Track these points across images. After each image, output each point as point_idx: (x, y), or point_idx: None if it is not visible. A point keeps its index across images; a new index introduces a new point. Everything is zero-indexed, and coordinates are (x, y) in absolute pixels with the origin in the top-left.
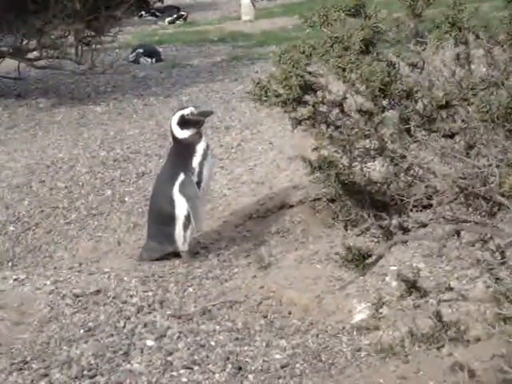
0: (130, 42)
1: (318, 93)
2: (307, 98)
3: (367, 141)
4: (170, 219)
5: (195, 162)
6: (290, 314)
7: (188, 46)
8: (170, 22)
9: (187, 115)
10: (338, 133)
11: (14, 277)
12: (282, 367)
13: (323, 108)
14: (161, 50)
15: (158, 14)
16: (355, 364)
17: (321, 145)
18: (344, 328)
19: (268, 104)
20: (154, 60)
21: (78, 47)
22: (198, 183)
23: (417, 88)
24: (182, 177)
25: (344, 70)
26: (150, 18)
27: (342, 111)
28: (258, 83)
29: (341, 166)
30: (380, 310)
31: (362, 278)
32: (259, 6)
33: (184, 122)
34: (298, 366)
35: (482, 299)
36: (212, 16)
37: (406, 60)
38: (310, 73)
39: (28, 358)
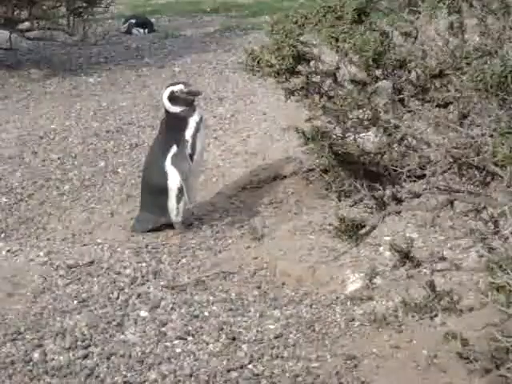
0: (122, 12)
1: (310, 63)
2: (300, 68)
3: (360, 111)
4: (163, 191)
5: (188, 134)
6: (283, 284)
7: (181, 16)
8: None
9: (176, 92)
10: (331, 103)
11: (7, 248)
12: (276, 337)
13: (316, 78)
14: (153, 20)
15: None
16: (349, 334)
17: (314, 115)
18: (337, 298)
19: (261, 74)
20: (146, 30)
21: (70, 18)
22: (191, 155)
23: (410, 58)
24: (174, 149)
25: (337, 39)
26: None
27: (335, 81)
28: (250, 53)
29: (334, 136)
30: (373, 280)
31: (355, 248)
32: None
33: (174, 98)
34: (291, 336)
35: (475, 269)
36: None
37: (400, 29)
38: (302, 43)
39: (22, 329)
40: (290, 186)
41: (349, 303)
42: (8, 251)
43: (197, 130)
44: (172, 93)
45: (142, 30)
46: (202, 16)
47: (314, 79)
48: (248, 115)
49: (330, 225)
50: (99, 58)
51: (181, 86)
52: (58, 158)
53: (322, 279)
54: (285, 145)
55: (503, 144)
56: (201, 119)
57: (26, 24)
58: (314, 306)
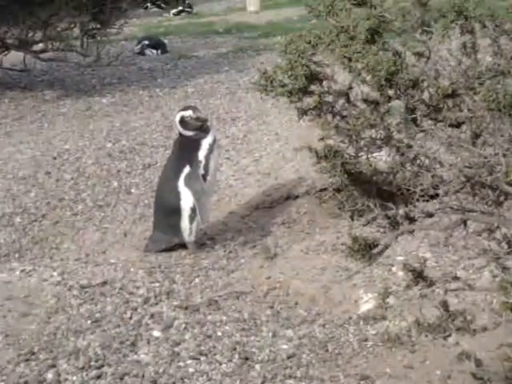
0: (135, 33)
1: (323, 83)
2: (313, 87)
3: (373, 130)
4: (176, 211)
5: (201, 155)
6: (296, 304)
7: (193, 37)
8: (175, 14)
9: (187, 117)
10: (344, 123)
11: (21, 268)
12: (289, 357)
13: (329, 98)
14: (166, 41)
15: (163, 5)
16: (362, 354)
17: (327, 135)
18: (350, 318)
19: (274, 94)
20: (159, 51)
21: (84, 39)
22: (204, 176)
23: (423, 77)
24: (187, 169)
25: (350, 59)
26: (155, 9)
27: (348, 101)
28: (263, 73)
29: (347, 155)
30: (386, 300)
31: (368, 268)
32: None
33: (185, 123)
34: (304, 356)
35: (489, 289)
36: (217, 7)
37: (412, 49)
38: (315, 63)
39: (35, 349)
40: (302, 205)
41: (362, 323)
42: (22, 271)
43: (210, 151)
44: (182, 118)
45: (154, 51)
46: (215, 37)
47: (326, 99)
48: (260, 135)
49: (342, 244)
50: (112, 79)
51: (190, 112)
52: (72, 179)
53: (335, 299)
54: (297, 165)
55: None
56: (214, 141)
57: (40, 45)
58: (327, 326)
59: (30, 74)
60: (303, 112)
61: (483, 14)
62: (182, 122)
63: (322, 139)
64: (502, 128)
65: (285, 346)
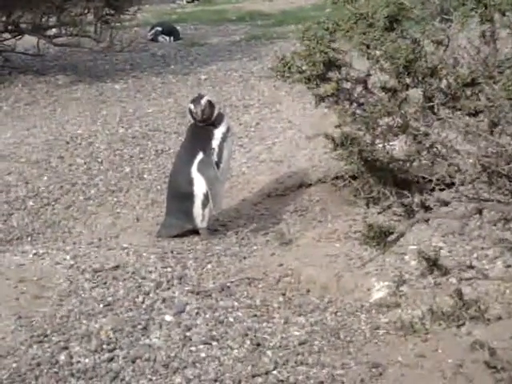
0: (148, 20)
1: (341, 69)
2: (331, 74)
3: (390, 118)
4: (189, 197)
5: (214, 144)
6: (308, 291)
7: (206, 24)
8: (188, 1)
9: (192, 110)
10: (361, 110)
11: (34, 251)
12: (300, 344)
13: (347, 85)
14: (179, 28)
15: None
16: (373, 342)
17: (344, 122)
18: (362, 306)
19: (291, 80)
20: (172, 38)
21: (97, 25)
22: (217, 163)
23: (441, 65)
24: (200, 156)
25: (368, 46)
26: None
27: (366, 88)
28: (281, 59)
29: (363, 143)
30: (400, 288)
31: (380, 256)
32: None
33: (192, 114)
34: (316, 343)
35: (503, 278)
36: None
37: (431, 37)
38: (333, 49)
39: (48, 331)
40: (315, 193)
41: (374, 311)
42: (34, 254)
43: (223, 139)
44: (189, 109)
45: (167, 38)
46: (228, 25)
47: (344, 86)
48: (273, 123)
49: (356, 232)
50: (125, 65)
51: (191, 106)
52: (85, 163)
53: (347, 287)
54: (310, 153)
55: None
56: (227, 129)
57: (54, 30)
58: (338, 314)
59: (43, 59)
60: (320, 99)
61: (503, 2)
62: (190, 113)
63: (339, 126)
64: None
65: (296, 333)
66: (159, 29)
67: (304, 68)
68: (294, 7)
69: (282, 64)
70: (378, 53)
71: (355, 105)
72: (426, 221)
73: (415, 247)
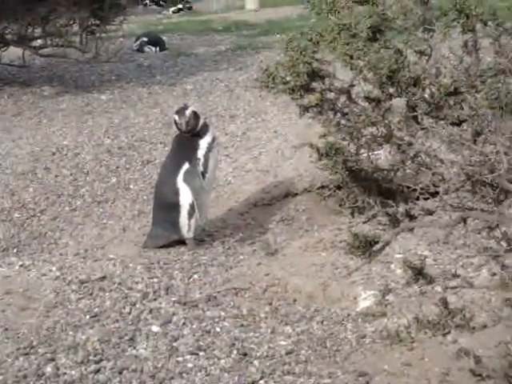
0: (134, 30)
1: (325, 80)
2: (315, 85)
3: (374, 128)
4: (175, 207)
5: (200, 154)
6: (295, 301)
7: (192, 35)
8: (174, 12)
9: (176, 121)
10: (346, 120)
11: (20, 263)
12: (287, 353)
13: (330, 95)
14: (165, 38)
15: (162, 3)
16: (360, 351)
17: (328, 132)
18: (349, 315)
19: (275, 91)
20: (158, 49)
21: (83, 35)
22: (203, 173)
23: (424, 75)
24: (186, 166)
25: (351, 57)
26: (154, 7)
27: (350, 98)
28: (265, 70)
29: (348, 152)
30: (386, 297)
31: (367, 265)
32: None
33: (177, 124)
34: (302, 352)
35: (488, 287)
36: (216, 5)
37: (414, 47)
38: (317, 60)
39: (34, 343)
40: (301, 203)
41: (360, 320)
42: (21, 266)
43: (209, 150)
44: (174, 120)
45: (153, 48)
46: (214, 35)
47: (328, 96)
48: (259, 133)
49: (342, 241)
50: (111, 76)
51: (175, 117)
52: (71, 174)
53: (334, 296)
54: (296, 162)
55: None
56: (213, 139)
57: (39, 41)
58: (325, 323)
59: (29, 70)
60: (305, 109)
61: (484, 12)
62: (175, 123)
63: (324, 136)
64: (503, 126)
65: (283, 343)
66: (145, 39)
67: (288, 79)
68: (280, 17)
69: (266, 75)
70: (361, 63)
71: (339, 115)
72: (411, 230)
73: (401, 256)
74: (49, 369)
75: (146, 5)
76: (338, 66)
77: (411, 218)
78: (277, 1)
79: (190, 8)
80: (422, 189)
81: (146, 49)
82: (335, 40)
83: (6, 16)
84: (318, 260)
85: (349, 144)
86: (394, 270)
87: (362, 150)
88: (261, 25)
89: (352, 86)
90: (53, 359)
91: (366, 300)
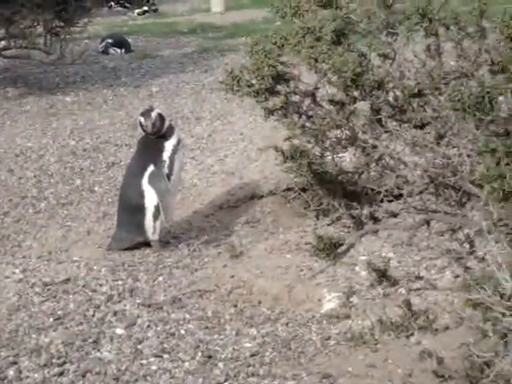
0: (99, 32)
1: (290, 83)
2: (279, 88)
3: (339, 131)
4: (140, 209)
5: (165, 156)
6: (260, 303)
7: (158, 37)
8: (139, 14)
9: (141, 122)
10: (310, 123)
11: None
12: (252, 355)
13: (295, 98)
14: (130, 40)
15: (127, 5)
16: (324, 352)
17: (293, 134)
18: (314, 317)
19: (240, 94)
20: (123, 51)
21: (47, 37)
22: (168, 175)
23: (388, 79)
24: (151, 168)
25: (316, 60)
26: (119, 8)
27: (314, 101)
28: (230, 73)
29: (312, 155)
30: (350, 299)
31: (331, 267)
32: None
33: (142, 127)
34: (267, 354)
35: (451, 288)
36: (182, 7)
37: (378, 51)
38: (282, 63)
39: None
40: (266, 205)
41: (325, 322)
42: None
43: (174, 152)
44: (139, 122)
45: (119, 50)
46: (179, 37)
47: (293, 99)
48: (225, 135)
49: (307, 244)
50: (76, 78)
51: (141, 119)
52: (35, 176)
53: (299, 298)
54: (262, 165)
55: (480, 163)
56: (178, 141)
57: (3, 43)
58: (290, 325)
59: None
60: (269, 112)
61: (447, 16)
62: (141, 125)
63: (288, 139)
64: (466, 128)
65: (248, 345)
66: (110, 41)
67: (253, 82)
68: (245, 20)
69: (231, 78)
70: (325, 66)
71: (304, 118)
72: (375, 232)
73: (366, 258)
74: (11, 372)
75: (111, 7)
76: (302, 69)
77: (375, 220)
78: (242, 4)
79: (155, 10)
80: (386, 191)
81: (111, 51)
82: (299, 43)
83: None
84: (283, 262)
85: (313, 147)
86: (358, 272)
87: (327, 153)
88: (226, 27)
89: (316, 88)
90: (15, 362)
91: (331, 302)
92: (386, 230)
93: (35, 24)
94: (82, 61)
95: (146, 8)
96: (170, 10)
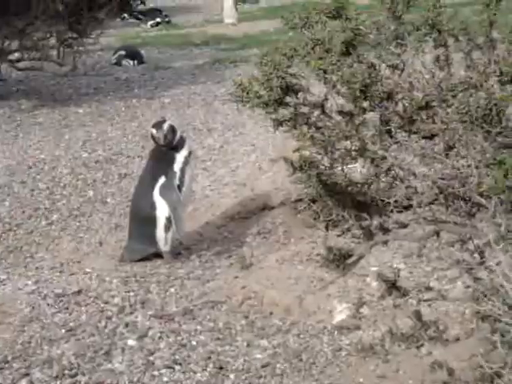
0: (112, 44)
1: (299, 94)
2: (288, 99)
3: (348, 142)
4: (151, 221)
5: (176, 167)
6: (271, 314)
7: (171, 48)
8: (152, 25)
9: (153, 134)
10: (320, 134)
11: None
12: (263, 367)
13: (304, 109)
14: (143, 52)
15: (140, 16)
16: (336, 363)
17: (302, 146)
18: (325, 328)
19: (249, 105)
20: (136, 62)
21: (60, 49)
22: (179, 186)
23: (397, 90)
24: (162, 179)
25: (325, 71)
26: (132, 20)
27: (323, 112)
28: (239, 84)
29: (322, 166)
30: (360, 310)
31: (342, 278)
32: (242, 9)
33: (154, 138)
34: (278, 365)
35: (461, 299)
36: (195, 19)
37: (387, 62)
38: (291, 74)
39: (9, 358)
40: (278, 216)
41: (336, 333)
42: None
43: (185, 163)
44: (151, 134)
45: (131, 62)
46: (192, 48)
47: (302, 110)
48: (237, 146)
49: (317, 255)
50: (89, 89)
51: (153, 130)
52: (47, 188)
53: (310, 309)
54: (273, 176)
55: (488, 175)
56: (189, 153)
57: (16, 55)
58: (301, 336)
59: (5, 84)
60: (279, 123)
61: (456, 27)
62: (152, 137)
63: (298, 150)
64: (475, 140)
65: (259, 356)
66: (123, 53)
67: (262, 93)
68: (257, 31)
69: (240, 89)
70: (334, 77)
71: (313, 129)
72: (385, 243)
73: (377, 269)
74: (23, 383)
75: (124, 18)
76: (311, 80)
77: (385, 231)
78: (254, 15)
79: (168, 22)
80: (395, 202)
81: (124, 62)
82: (309, 55)
83: None
84: (295, 273)
85: (323, 158)
86: (369, 283)
87: (336, 164)
88: (239, 38)
89: (326, 100)
90: (27, 374)
91: (342, 313)
92: (396, 240)
93: (48, 36)
94: (95, 72)
95: (159, 19)
96: (182, 21)
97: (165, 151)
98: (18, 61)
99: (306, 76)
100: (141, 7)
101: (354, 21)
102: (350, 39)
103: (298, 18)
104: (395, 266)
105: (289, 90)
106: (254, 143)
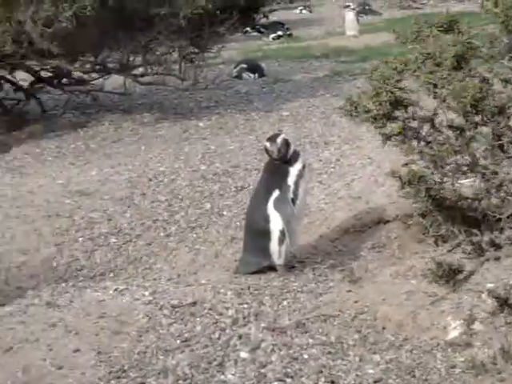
0: (233, 57)
1: (408, 108)
2: (397, 113)
3: (458, 156)
4: (265, 234)
5: (290, 181)
6: (383, 329)
7: (291, 61)
8: (274, 38)
9: (268, 148)
10: (429, 148)
11: (114, 287)
12: (375, 382)
13: (414, 124)
14: (264, 65)
15: (262, 30)
16: (449, 381)
17: (411, 160)
18: (438, 344)
19: (359, 120)
20: (256, 75)
21: (182, 63)
22: (293, 200)
23: (510, 104)
24: (276, 193)
25: (435, 85)
26: (254, 33)
27: (433, 127)
28: (348, 99)
29: (431, 181)
30: (472, 327)
31: (457, 294)
32: (364, 21)
33: (268, 152)
34: (391, 381)
35: None
36: (316, 32)
37: (499, 76)
38: (401, 89)
39: (126, 367)
40: (392, 230)
41: (450, 350)
42: (115, 290)
43: (299, 177)
44: (265, 147)
45: (252, 75)
46: (312, 61)
47: (411, 124)
48: (353, 159)
49: (428, 270)
50: (209, 103)
51: (267, 144)
52: (166, 200)
53: (423, 325)
54: (389, 189)
55: None
56: (303, 167)
57: (140, 69)
58: (414, 352)
59: (129, 98)
60: (387, 137)
61: None
62: (266, 151)
63: (406, 164)
64: None
65: (371, 371)
66: (244, 66)
67: (371, 107)
68: (379, 43)
69: (349, 103)
70: (445, 92)
71: (423, 143)
72: (497, 259)
73: (492, 285)
74: None
75: (246, 32)
76: (421, 94)
77: (497, 247)
78: (377, 27)
79: (290, 35)
80: (507, 218)
81: (245, 75)
82: (419, 69)
83: (109, 45)
84: (408, 288)
85: (432, 172)
86: (485, 299)
87: (446, 179)
88: (359, 51)
89: (436, 114)
90: (143, 383)
91: (456, 329)
92: (509, 257)
93: (170, 51)
94: (216, 86)
95: (280, 33)
96: (304, 34)
97: (279, 165)
98: (142, 75)
99: (416, 90)
100: (263, 21)
101: (466, 34)
102: (462, 53)
103: (409, 32)
104: (510, 282)
105: (398, 104)
106: (371, 156)
